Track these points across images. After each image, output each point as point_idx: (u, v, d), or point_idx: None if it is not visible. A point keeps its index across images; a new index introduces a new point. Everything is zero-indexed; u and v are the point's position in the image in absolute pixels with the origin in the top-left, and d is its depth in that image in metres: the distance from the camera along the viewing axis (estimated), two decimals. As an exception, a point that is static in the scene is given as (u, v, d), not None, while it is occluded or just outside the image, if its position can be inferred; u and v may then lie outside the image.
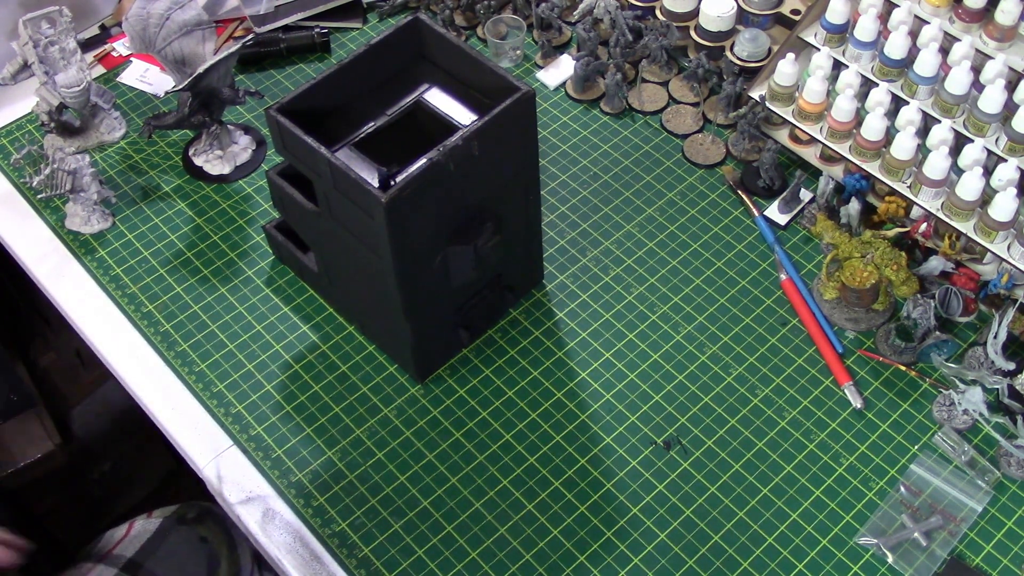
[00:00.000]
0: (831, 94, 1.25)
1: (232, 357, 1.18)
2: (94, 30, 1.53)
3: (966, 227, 1.15)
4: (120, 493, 1.23)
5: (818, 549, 1.03)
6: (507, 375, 1.16)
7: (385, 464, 1.10)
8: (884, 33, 1.22)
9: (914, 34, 1.21)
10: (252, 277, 1.26)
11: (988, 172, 1.14)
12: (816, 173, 1.29)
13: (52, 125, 1.37)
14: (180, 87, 1.24)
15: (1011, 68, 1.15)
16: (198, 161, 1.37)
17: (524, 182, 1.11)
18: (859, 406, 1.12)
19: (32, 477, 1.45)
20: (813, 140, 1.28)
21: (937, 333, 1.13)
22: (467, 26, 1.53)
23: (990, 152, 1.15)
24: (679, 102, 1.42)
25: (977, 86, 1.17)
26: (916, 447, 1.09)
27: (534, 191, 1.14)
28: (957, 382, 1.10)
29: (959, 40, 1.17)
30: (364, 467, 1.10)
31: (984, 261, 1.20)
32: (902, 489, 1.06)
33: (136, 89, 1.47)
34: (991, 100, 1.13)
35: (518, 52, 1.48)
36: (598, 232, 1.29)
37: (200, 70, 1.21)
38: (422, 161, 0.96)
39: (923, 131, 1.19)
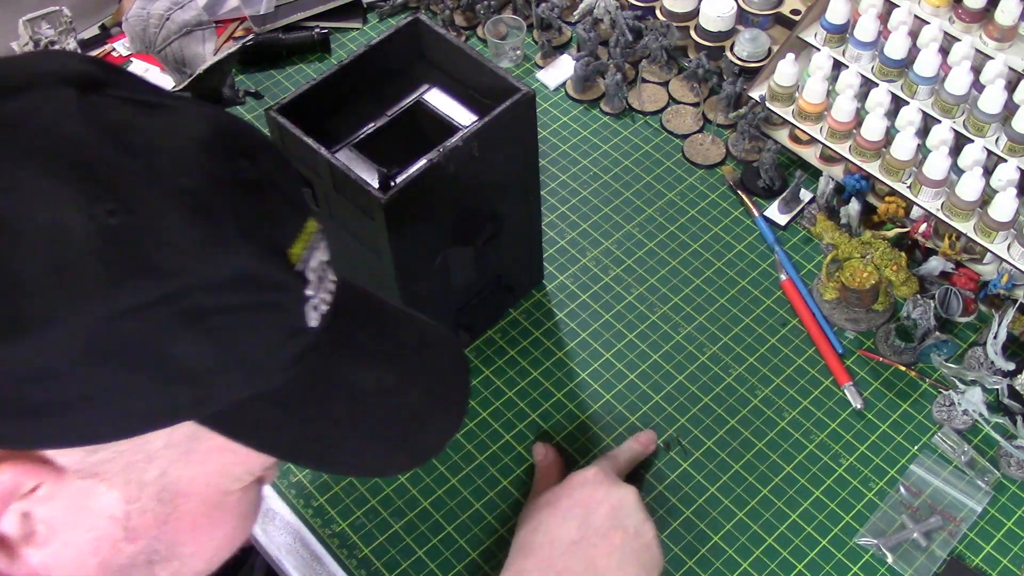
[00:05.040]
0: (831, 94, 1.25)
1: (232, 357, 1.18)
2: (94, 30, 1.53)
3: (966, 227, 1.15)
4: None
5: (818, 549, 1.03)
6: (507, 375, 1.16)
7: (385, 464, 1.10)
8: (884, 33, 1.22)
9: (914, 34, 1.21)
10: (252, 277, 1.25)
11: (988, 172, 1.14)
12: (816, 173, 1.29)
13: (52, 125, 1.37)
14: (180, 87, 1.24)
15: (1011, 68, 1.15)
16: (198, 161, 1.36)
17: (524, 182, 1.11)
18: (859, 406, 1.12)
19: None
20: (813, 140, 1.28)
21: (937, 333, 1.13)
22: (467, 26, 1.53)
23: (990, 152, 1.15)
24: (679, 102, 1.42)
25: (977, 86, 1.16)
26: (916, 447, 1.09)
27: (534, 191, 1.14)
28: (957, 382, 1.10)
29: (959, 40, 1.17)
30: (364, 467, 1.10)
31: (984, 261, 1.20)
32: (902, 489, 1.06)
33: (136, 89, 1.47)
34: (991, 100, 1.13)
35: (518, 52, 1.48)
36: (598, 232, 1.29)
37: (200, 70, 1.21)
38: (422, 162, 0.96)
39: (923, 131, 1.19)
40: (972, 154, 1.14)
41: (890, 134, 1.20)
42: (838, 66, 1.25)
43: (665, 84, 1.44)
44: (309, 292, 0.56)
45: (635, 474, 1.08)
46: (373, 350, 0.63)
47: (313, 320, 0.56)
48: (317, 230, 0.59)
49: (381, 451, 0.65)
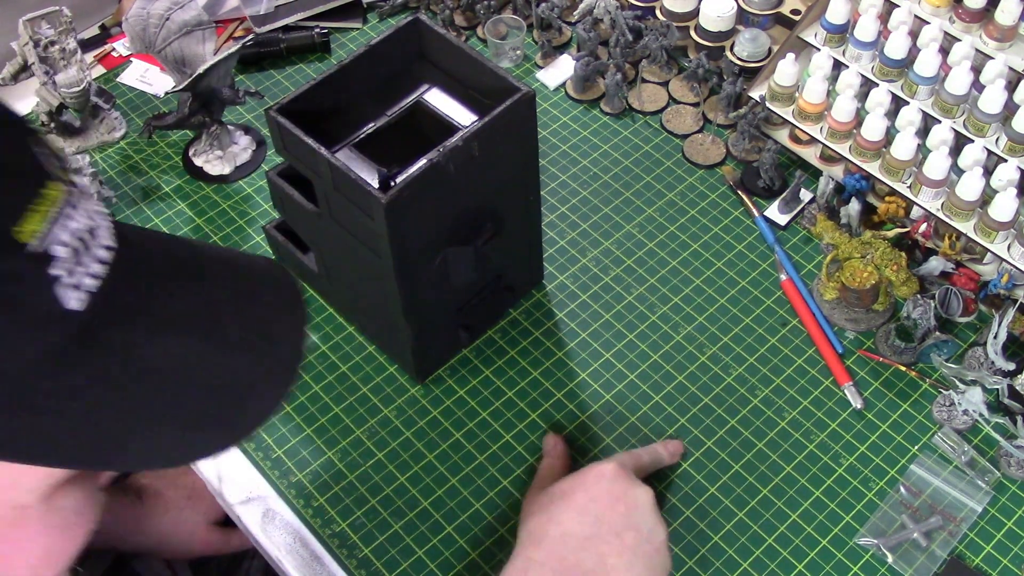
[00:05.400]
0: (831, 94, 1.25)
1: (232, 357, 1.18)
2: (94, 30, 1.53)
3: (966, 227, 1.15)
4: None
5: (818, 549, 1.03)
6: (507, 376, 1.16)
7: (385, 465, 1.10)
8: (884, 33, 1.22)
9: (914, 34, 1.21)
10: (252, 277, 1.25)
11: (988, 172, 1.14)
12: (816, 173, 1.29)
13: (52, 125, 1.37)
14: (180, 87, 1.24)
15: (1011, 68, 1.15)
16: (198, 161, 1.37)
17: (524, 182, 1.11)
18: (859, 406, 1.12)
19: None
20: (813, 140, 1.28)
21: (937, 333, 1.13)
22: (467, 26, 1.53)
23: (990, 152, 1.15)
24: (679, 102, 1.42)
25: (977, 86, 1.16)
26: (916, 447, 1.09)
27: (534, 191, 1.14)
28: (957, 382, 1.10)
29: (959, 40, 1.17)
30: (364, 467, 1.10)
31: (984, 261, 1.20)
32: (902, 489, 1.06)
33: (136, 89, 1.47)
34: (991, 100, 1.13)
35: (518, 52, 1.48)
36: (598, 232, 1.29)
37: (200, 70, 1.21)
38: (422, 162, 0.96)
39: (923, 131, 1.19)
40: (972, 154, 1.14)
41: (890, 134, 1.20)
42: (838, 66, 1.25)
43: (665, 84, 1.44)
44: (57, 271, 0.47)
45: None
46: (170, 316, 0.54)
47: (74, 301, 0.48)
48: (64, 195, 0.49)
49: (190, 434, 0.55)
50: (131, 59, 1.51)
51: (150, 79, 1.48)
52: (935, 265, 1.17)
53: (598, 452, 1.10)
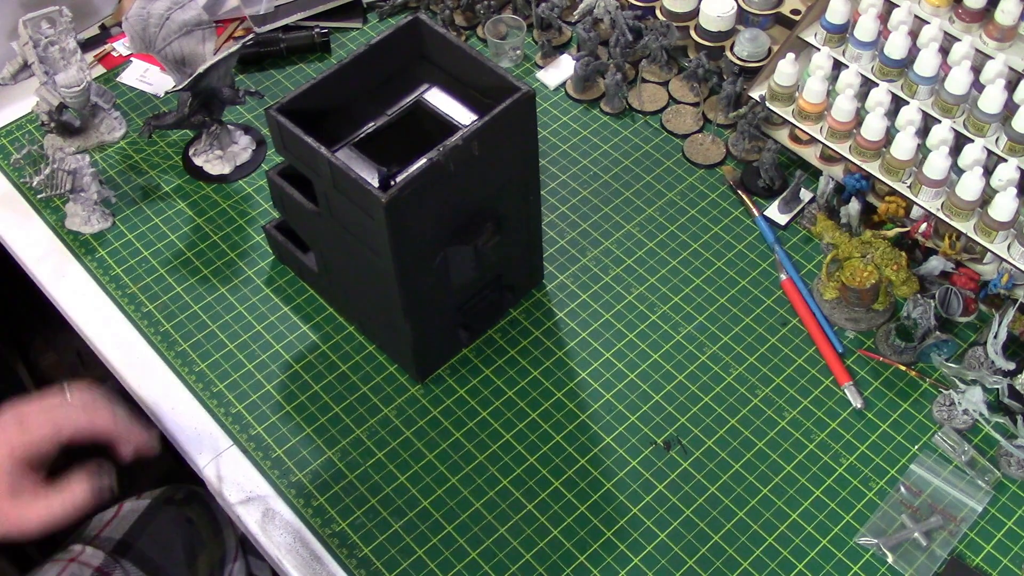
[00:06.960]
0: (831, 94, 1.25)
1: (232, 357, 1.18)
2: (94, 30, 1.53)
3: (966, 227, 1.15)
4: (119, 493, 1.24)
5: (818, 549, 1.03)
6: (507, 375, 1.16)
7: (385, 464, 1.10)
8: (884, 33, 1.22)
9: (914, 34, 1.21)
10: (252, 277, 1.26)
11: (988, 172, 1.14)
12: (816, 173, 1.29)
13: (52, 125, 1.37)
14: (180, 87, 1.24)
15: (1011, 68, 1.15)
16: (198, 161, 1.37)
17: (524, 182, 1.11)
18: (859, 406, 1.12)
19: (32, 477, 1.45)
20: (813, 140, 1.28)
21: (937, 333, 1.13)
22: (467, 26, 1.53)
23: (990, 152, 1.15)
24: (679, 102, 1.42)
25: (977, 86, 1.17)
26: (916, 447, 1.09)
27: (534, 191, 1.14)
28: (957, 382, 1.10)
29: (959, 40, 1.17)
30: (364, 467, 1.10)
31: (984, 261, 1.20)
32: (902, 489, 1.06)
33: (136, 89, 1.47)
34: (991, 100, 1.13)
35: (518, 52, 1.48)
36: (598, 232, 1.29)
37: (200, 70, 1.21)
38: (422, 161, 0.96)
39: (923, 131, 1.19)
40: (972, 154, 1.14)
41: (890, 134, 1.20)
42: (838, 66, 1.25)
43: (665, 84, 1.44)
44: None
45: (636, 473, 1.08)
46: None
47: None
48: None
49: None
50: (131, 59, 1.51)
51: (150, 79, 1.48)
52: (935, 265, 1.17)
53: (598, 451, 1.10)
